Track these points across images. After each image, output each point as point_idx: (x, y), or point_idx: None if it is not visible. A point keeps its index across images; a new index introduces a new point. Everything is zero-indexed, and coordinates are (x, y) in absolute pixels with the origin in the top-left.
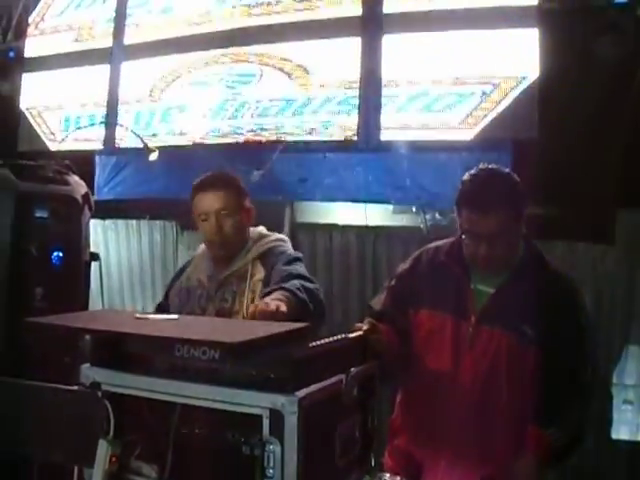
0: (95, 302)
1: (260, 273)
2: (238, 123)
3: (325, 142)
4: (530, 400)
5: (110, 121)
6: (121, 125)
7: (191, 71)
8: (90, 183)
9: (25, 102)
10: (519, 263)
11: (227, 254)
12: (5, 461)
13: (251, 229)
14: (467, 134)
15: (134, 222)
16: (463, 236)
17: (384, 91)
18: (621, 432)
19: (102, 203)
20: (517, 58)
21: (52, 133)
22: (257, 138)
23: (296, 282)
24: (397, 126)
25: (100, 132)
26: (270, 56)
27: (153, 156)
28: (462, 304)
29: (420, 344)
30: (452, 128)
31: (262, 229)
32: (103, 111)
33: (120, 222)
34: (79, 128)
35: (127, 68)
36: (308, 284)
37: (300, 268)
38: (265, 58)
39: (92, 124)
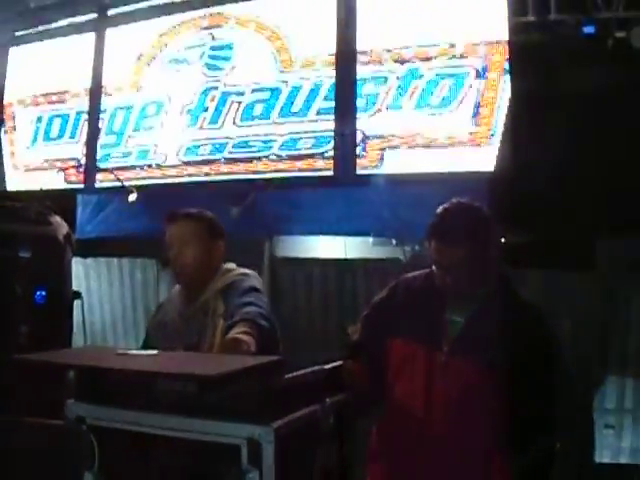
0: (77, 340)
1: (220, 308)
2: (219, 134)
3: (303, 178)
4: (501, 428)
5: (90, 122)
6: (102, 169)
7: (171, 41)
8: (71, 220)
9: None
10: (491, 294)
11: (189, 284)
12: None
13: (222, 265)
14: (483, 154)
15: (115, 260)
16: (433, 266)
17: (368, 70)
18: (604, 456)
19: (83, 242)
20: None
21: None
22: (235, 169)
23: (251, 310)
24: (397, 142)
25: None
26: (247, 19)
27: (132, 197)
28: (435, 334)
29: (394, 372)
30: (463, 144)
31: (230, 265)
32: (78, 105)
33: (101, 260)
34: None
35: (109, 38)
36: (261, 310)
37: (252, 297)
38: (242, 21)
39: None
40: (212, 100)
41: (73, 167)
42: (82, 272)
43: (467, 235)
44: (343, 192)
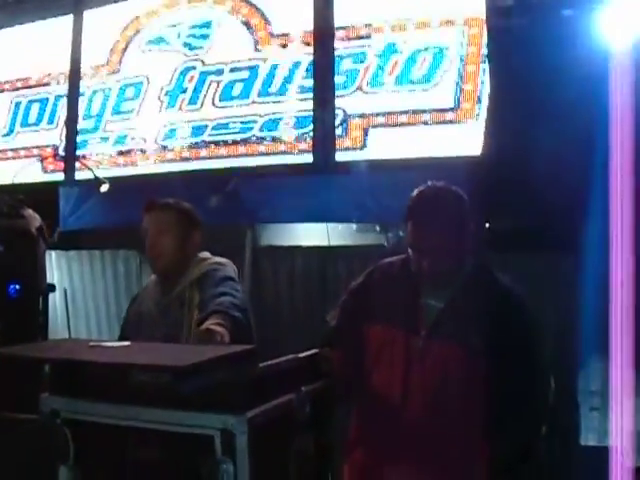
0: (61, 333)
1: (196, 298)
2: (198, 116)
3: (284, 166)
4: (480, 412)
5: (70, 106)
6: (79, 157)
7: (149, 22)
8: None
9: None
10: (468, 277)
11: (164, 273)
12: None
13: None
14: (469, 131)
15: (97, 252)
16: (409, 249)
17: (346, 46)
18: (589, 438)
19: (65, 234)
20: None
21: None
22: (216, 152)
23: (224, 300)
24: (380, 120)
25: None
26: None
27: (104, 188)
28: (413, 318)
29: (372, 358)
30: (449, 121)
31: (205, 254)
32: (57, 89)
33: (84, 253)
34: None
35: (87, 20)
36: (235, 300)
37: (226, 287)
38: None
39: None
40: (191, 80)
41: (52, 156)
42: (65, 265)
43: (441, 217)
44: (325, 179)
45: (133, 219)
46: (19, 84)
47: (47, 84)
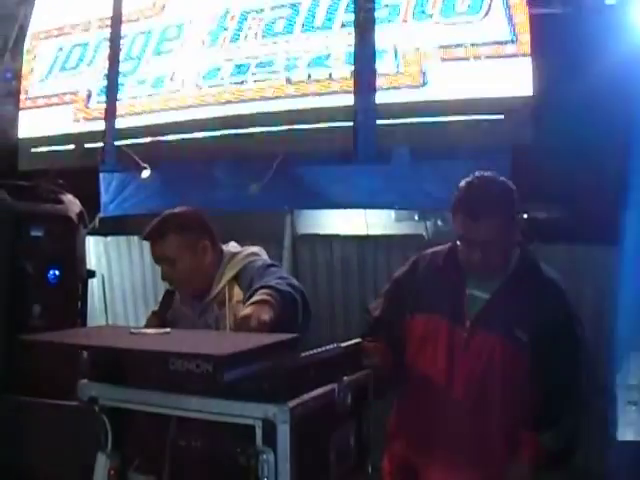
0: (99, 319)
1: (238, 294)
2: (241, 53)
3: (324, 152)
4: (524, 404)
5: (112, 50)
6: (117, 146)
7: None
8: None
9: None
10: (514, 269)
11: (194, 292)
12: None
13: (224, 249)
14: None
15: (135, 238)
16: (458, 241)
17: None
18: (627, 433)
19: (103, 220)
20: None
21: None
22: (261, 93)
23: (273, 278)
24: (435, 54)
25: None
26: None
27: (145, 174)
28: (457, 309)
29: (415, 348)
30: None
31: (232, 246)
32: (98, 36)
33: (122, 239)
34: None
35: None
36: (286, 279)
37: (274, 272)
38: None
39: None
40: (232, 19)
41: (83, 100)
42: (103, 251)
43: (493, 209)
44: (367, 166)
45: (171, 205)
46: (66, 29)
47: (90, 29)
